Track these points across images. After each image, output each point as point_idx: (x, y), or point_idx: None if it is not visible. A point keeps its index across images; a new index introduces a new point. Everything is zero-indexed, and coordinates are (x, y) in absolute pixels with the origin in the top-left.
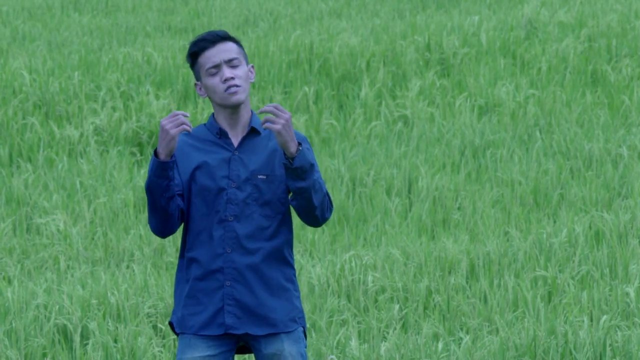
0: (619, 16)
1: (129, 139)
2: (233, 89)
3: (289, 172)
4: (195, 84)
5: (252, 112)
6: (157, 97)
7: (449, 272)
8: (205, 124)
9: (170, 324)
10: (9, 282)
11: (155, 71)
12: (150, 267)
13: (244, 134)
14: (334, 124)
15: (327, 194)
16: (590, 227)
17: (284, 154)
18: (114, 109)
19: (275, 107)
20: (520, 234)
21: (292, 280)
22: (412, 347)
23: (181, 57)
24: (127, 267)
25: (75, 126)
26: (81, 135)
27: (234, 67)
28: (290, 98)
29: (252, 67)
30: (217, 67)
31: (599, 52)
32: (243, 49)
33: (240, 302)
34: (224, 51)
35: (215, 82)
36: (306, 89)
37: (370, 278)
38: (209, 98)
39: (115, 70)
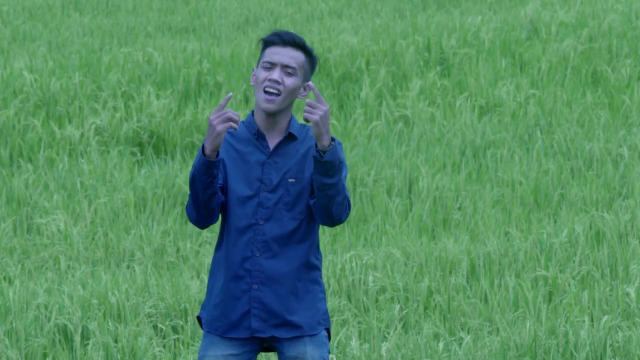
0: (620, 16)
1: (130, 139)
2: (269, 97)
3: (318, 165)
4: (253, 69)
5: (292, 117)
6: (157, 97)
7: (450, 272)
8: (244, 122)
9: (199, 318)
10: (10, 282)
11: (156, 71)
12: (150, 267)
13: (281, 138)
14: (334, 123)
15: (347, 197)
16: (590, 227)
17: (316, 147)
18: (114, 109)
19: (317, 97)
20: (521, 234)
21: (318, 281)
22: (412, 347)
23: (182, 57)
24: (128, 267)
25: (75, 126)
26: (82, 135)
27: (287, 74)
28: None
29: (308, 85)
30: (273, 65)
31: (600, 52)
32: (312, 67)
33: (266, 305)
34: (288, 56)
35: (262, 76)
36: None
37: (370, 278)
38: (254, 91)
39: (116, 70)
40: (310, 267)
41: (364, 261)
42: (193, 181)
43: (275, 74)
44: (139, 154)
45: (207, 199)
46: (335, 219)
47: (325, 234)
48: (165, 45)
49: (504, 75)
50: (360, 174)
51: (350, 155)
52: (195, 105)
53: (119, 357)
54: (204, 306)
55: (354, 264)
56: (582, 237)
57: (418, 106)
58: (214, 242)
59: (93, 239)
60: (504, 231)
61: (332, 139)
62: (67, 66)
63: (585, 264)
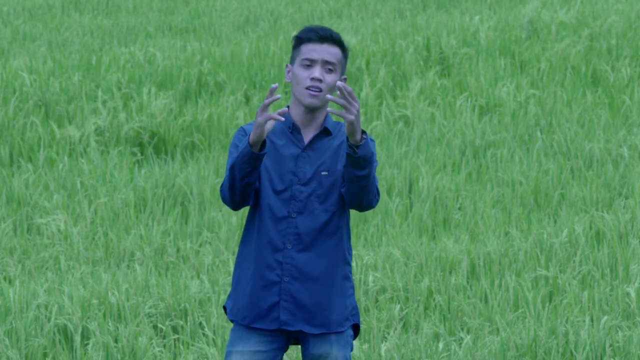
0: (620, 16)
1: (130, 139)
2: (314, 92)
3: (351, 160)
4: (287, 66)
5: (327, 114)
6: (158, 97)
7: (450, 272)
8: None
9: (224, 308)
10: (10, 282)
11: (156, 71)
12: (151, 267)
13: (316, 133)
14: None
15: (377, 185)
16: (590, 227)
17: (348, 142)
18: (114, 109)
19: (350, 95)
20: (521, 234)
21: (349, 277)
22: (412, 347)
23: (182, 57)
24: (128, 267)
25: (76, 126)
26: (82, 135)
27: (328, 71)
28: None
29: (345, 78)
30: (314, 62)
31: (600, 52)
32: (346, 60)
33: (296, 298)
34: (327, 52)
35: (303, 74)
36: None
37: (370, 278)
38: (292, 87)
39: (116, 70)
40: (343, 262)
41: (364, 261)
42: (233, 167)
43: (317, 72)
44: (139, 154)
45: (243, 187)
46: (365, 206)
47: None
48: (165, 45)
49: (504, 75)
50: None
51: None
52: (196, 105)
53: (119, 357)
54: (230, 296)
55: (354, 264)
56: (582, 237)
57: (418, 106)
58: (214, 243)
59: (93, 239)
60: (504, 231)
61: (363, 132)
62: (66, 66)
63: (586, 264)
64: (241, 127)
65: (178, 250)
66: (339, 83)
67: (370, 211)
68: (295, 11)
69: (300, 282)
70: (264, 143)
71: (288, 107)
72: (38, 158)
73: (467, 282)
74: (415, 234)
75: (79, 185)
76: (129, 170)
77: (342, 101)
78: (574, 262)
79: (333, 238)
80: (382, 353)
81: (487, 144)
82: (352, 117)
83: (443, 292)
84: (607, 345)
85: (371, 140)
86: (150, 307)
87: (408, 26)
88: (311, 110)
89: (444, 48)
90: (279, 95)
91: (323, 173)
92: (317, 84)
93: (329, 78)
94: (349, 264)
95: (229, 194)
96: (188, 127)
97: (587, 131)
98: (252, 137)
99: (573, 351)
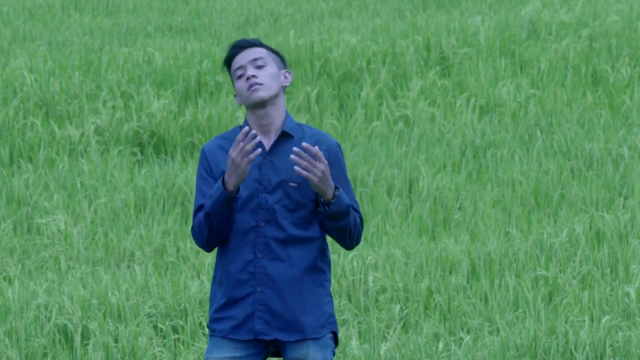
0: (620, 16)
1: (130, 139)
2: (255, 87)
3: (324, 215)
4: (235, 95)
5: (286, 114)
6: (157, 97)
7: (450, 272)
8: (240, 127)
9: (208, 326)
10: (10, 282)
11: (156, 71)
12: (151, 267)
13: (276, 138)
14: (335, 124)
15: (358, 223)
16: (590, 227)
17: (319, 198)
18: (114, 109)
19: (315, 155)
20: (521, 234)
21: (324, 285)
22: (412, 347)
23: (182, 57)
24: (128, 267)
25: (76, 126)
26: (82, 135)
27: (258, 67)
28: (292, 98)
29: (288, 72)
30: (242, 68)
31: (600, 52)
32: (279, 56)
33: (270, 308)
34: (249, 54)
35: (241, 83)
36: (308, 89)
37: (371, 278)
38: (243, 104)
39: (115, 70)
40: (316, 270)
41: (366, 261)
42: (210, 215)
43: (250, 71)
44: (139, 154)
45: (221, 229)
46: (349, 246)
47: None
48: (165, 45)
49: (504, 75)
50: (360, 174)
51: (350, 155)
52: (196, 105)
53: (119, 357)
54: (209, 310)
55: (354, 264)
56: (582, 237)
57: (418, 106)
58: None
59: (93, 239)
60: (504, 231)
61: (337, 188)
62: (67, 66)
63: (586, 264)
64: (202, 150)
65: (178, 250)
66: (303, 143)
67: (370, 211)
68: (295, 11)
69: (273, 291)
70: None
71: (247, 123)
72: (38, 158)
73: (467, 282)
74: (415, 234)
75: (79, 185)
76: (129, 170)
77: (304, 163)
78: (574, 262)
79: (304, 247)
80: (382, 353)
81: (487, 144)
82: (315, 179)
83: (443, 292)
84: (607, 345)
85: (343, 195)
86: (150, 307)
87: (408, 26)
88: (262, 107)
89: (444, 48)
90: (258, 138)
91: (291, 184)
92: (253, 80)
93: (263, 72)
94: (324, 271)
95: (205, 238)
96: (188, 127)
97: (587, 131)
98: (234, 182)
99: (573, 351)
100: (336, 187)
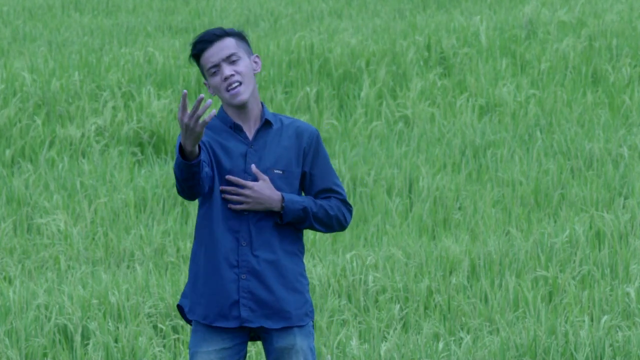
0: (620, 16)
1: (130, 139)
2: (234, 90)
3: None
4: (204, 83)
5: (262, 104)
6: (158, 97)
7: (450, 272)
8: (217, 117)
9: (180, 307)
10: (10, 282)
11: (156, 71)
12: (151, 267)
13: (258, 127)
14: (334, 123)
15: (341, 206)
16: (591, 227)
17: (301, 188)
18: (115, 109)
19: (237, 182)
20: (521, 234)
21: (304, 274)
22: (412, 347)
23: (183, 57)
24: (128, 267)
25: (76, 126)
26: (82, 135)
27: (233, 62)
28: (291, 98)
29: (257, 57)
30: (217, 66)
31: (600, 51)
32: (245, 41)
33: (255, 295)
34: (221, 49)
35: (217, 81)
36: (308, 89)
37: (371, 278)
38: (219, 97)
39: (116, 70)
40: (297, 259)
41: (366, 262)
42: (177, 176)
43: (226, 71)
44: (139, 154)
45: (192, 186)
46: (333, 231)
47: (325, 234)
48: (165, 45)
49: (504, 75)
50: (360, 174)
51: (350, 155)
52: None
53: (119, 357)
54: (185, 294)
55: (354, 264)
56: (582, 237)
57: (418, 106)
58: None
59: (93, 239)
60: (504, 231)
61: (283, 198)
62: (67, 66)
63: (586, 264)
64: None
65: (178, 250)
66: (227, 176)
67: (371, 211)
68: (295, 11)
69: (257, 279)
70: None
71: (223, 111)
72: (38, 158)
73: (467, 282)
74: (415, 234)
75: (79, 185)
76: (129, 170)
77: (235, 197)
78: (574, 262)
79: (287, 237)
80: (382, 353)
81: (487, 143)
82: (247, 206)
83: (443, 292)
84: (607, 345)
85: (290, 201)
86: (150, 307)
87: (408, 26)
88: (243, 106)
89: (444, 48)
90: (209, 101)
91: (276, 171)
92: (231, 80)
93: (240, 67)
94: (302, 261)
95: (182, 194)
96: None
97: (587, 131)
98: (191, 144)
99: (573, 351)
100: (284, 198)
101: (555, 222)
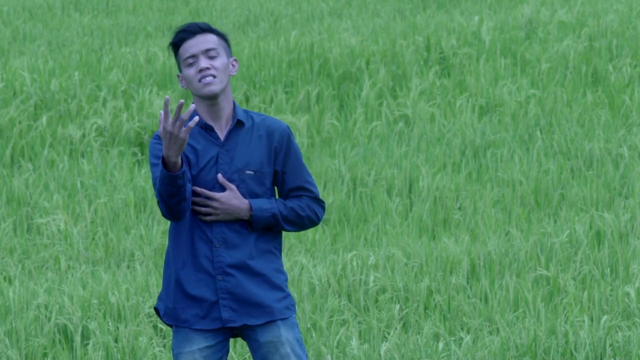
0: (620, 16)
1: (130, 139)
2: (207, 80)
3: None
4: (178, 76)
5: (234, 103)
6: (158, 97)
7: (450, 272)
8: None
9: (156, 310)
10: (10, 282)
11: (156, 71)
12: (151, 267)
13: (230, 128)
14: (335, 124)
15: (312, 204)
16: (591, 227)
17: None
18: (115, 108)
19: (205, 194)
20: (521, 234)
21: (281, 270)
22: (412, 347)
23: None
24: (128, 267)
25: (76, 126)
26: (82, 135)
27: (211, 57)
28: (292, 98)
29: (235, 60)
30: (194, 57)
31: (600, 51)
32: (226, 42)
33: (234, 295)
34: (202, 42)
35: (191, 72)
36: (308, 89)
37: (371, 278)
38: (190, 90)
39: (116, 70)
40: (272, 257)
41: (368, 262)
42: (160, 195)
43: (202, 63)
44: (139, 154)
45: (179, 201)
46: (307, 229)
47: (325, 234)
48: (165, 45)
49: (504, 75)
50: (360, 174)
51: (350, 155)
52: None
53: (119, 357)
54: (161, 297)
55: (354, 264)
56: (582, 237)
57: (418, 106)
58: None
59: (93, 239)
60: (504, 231)
61: (251, 207)
62: (67, 66)
63: (586, 264)
64: (155, 134)
65: None
66: (193, 187)
67: (371, 211)
68: (295, 11)
69: (233, 278)
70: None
71: (195, 111)
72: (38, 158)
73: (467, 282)
74: (415, 234)
75: (79, 185)
76: (129, 170)
77: (203, 210)
78: (574, 262)
79: (261, 236)
80: (382, 353)
81: (487, 143)
82: (216, 217)
83: (443, 292)
84: (607, 345)
85: (257, 208)
86: (150, 307)
87: (408, 26)
88: (214, 99)
89: (444, 48)
90: (193, 105)
91: (248, 172)
92: (206, 72)
93: (217, 62)
94: (279, 258)
95: (169, 213)
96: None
97: (587, 131)
98: (174, 154)
99: (573, 351)
100: (251, 207)
101: (555, 222)
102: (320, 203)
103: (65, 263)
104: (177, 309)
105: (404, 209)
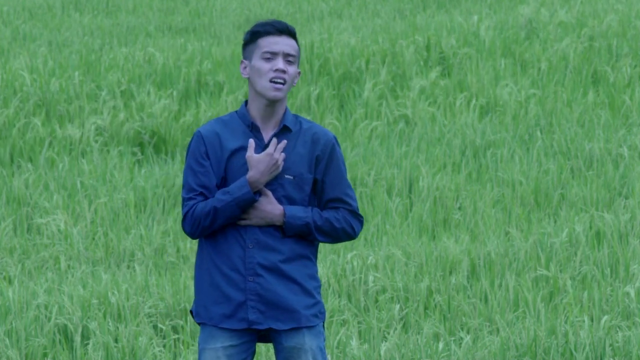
0: (620, 16)
1: (130, 139)
2: (278, 85)
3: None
4: (242, 62)
5: (286, 108)
6: (158, 97)
7: (450, 272)
8: (237, 112)
9: (191, 312)
10: (10, 282)
11: (156, 71)
12: (151, 267)
13: (276, 131)
14: (335, 123)
15: (349, 217)
16: (591, 227)
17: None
18: (115, 108)
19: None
20: (521, 234)
21: (315, 277)
22: (412, 347)
23: (183, 57)
24: (128, 267)
25: (76, 126)
26: (82, 135)
27: (289, 62)
28: (292, 98)
29: (299, 72)
30: (275, 55)
31: (600, 52)
32: (299, 54)
33: (263, 297)
34: (287, 45)
35: (265, 67)
36: (310, 89)
37: (371, 278)
38: (249, 82)
39: (116, 70)
40: (307, 262)
41: (367, 262)
42: (218, 211)
43: (280, 64)
44: (139, 154)
45: (222, 224)
46: (342, 242)
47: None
48: (165, 45)
49: (504, 75)
50: (361, 174)
51: (350, 155)
52: (196, 105)
53: (119, 357)
54: (195, 301)
55: (354, 264)
56: (582, 237)
57: (418, 106)
58: None
59: (93, 239)
60: (504, 231)
61: (284, 213)
62: (67, 66)
63: (586, 264)
64: (198, 133)
65: (178, 250)
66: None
67: (371, 211)
68: (296, 11)
69: (265, 281)
70: None
71: (246, 103)
72: (38, 158)
73: (467, 282)
74: (415, 234)
75: (79, 185)
76: (129, 170)
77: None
78: (574, 262)
79: (296, 239)
80: (382, 353)
81: (487, 143)
82: (244, 222)
83: (443, 292)
84: (607, 345)
85: (290, 216)
86: (150, 307)
87: (408, 26)
88: (272, 104)
89: (444, 48)
90: (284, 141)
91: (287, 176)
92: (281, 75)
93: (291, 70)
94: (314, 263)
95: (200, 232)
96: (188, 127)
97: (587, 131)
98: (265, 181)
99: (573, 351)
100: (285, 213)
101: (555, 222)
102: (359, 217)
103: (65, 263)
104: (206, 306)
105: (404, 209)
